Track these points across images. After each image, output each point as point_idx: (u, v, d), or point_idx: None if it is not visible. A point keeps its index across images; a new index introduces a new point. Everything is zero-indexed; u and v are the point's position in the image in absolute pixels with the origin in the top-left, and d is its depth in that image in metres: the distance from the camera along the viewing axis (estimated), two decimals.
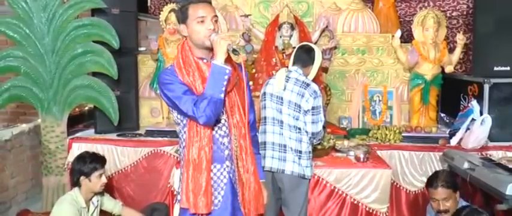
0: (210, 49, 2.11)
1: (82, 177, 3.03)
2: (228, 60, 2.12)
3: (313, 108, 2.94)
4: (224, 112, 2.16)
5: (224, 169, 2.19)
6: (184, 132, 2.16)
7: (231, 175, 2.20)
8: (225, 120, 2.18)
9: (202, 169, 2.12)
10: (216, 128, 2.15)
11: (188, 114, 2.06)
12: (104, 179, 3.10)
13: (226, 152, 2.19)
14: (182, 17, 2.12)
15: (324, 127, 3.20)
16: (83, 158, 3.11)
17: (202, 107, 2.01)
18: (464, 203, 2.90)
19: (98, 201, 3.18)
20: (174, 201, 2.29)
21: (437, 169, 3.71)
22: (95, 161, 3.09)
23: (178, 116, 2.17)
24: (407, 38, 4.81)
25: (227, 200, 2.19)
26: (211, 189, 2.15)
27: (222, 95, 2.05)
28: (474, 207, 2.71)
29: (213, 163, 2.16)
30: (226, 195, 2.19)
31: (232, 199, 2.20)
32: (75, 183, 3.06)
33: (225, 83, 2.04)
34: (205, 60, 2.14)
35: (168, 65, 2.20)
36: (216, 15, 2.13)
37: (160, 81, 2.15)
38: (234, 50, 2.04)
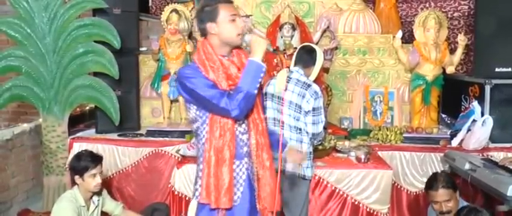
0: (234, 47, 2.20)
1: (76, 176, 2.99)
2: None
3: (313, 109, 2.94)
4: None
5: (243, 165, 2.24)
6: (204, 128, 2.19)
7: (249, 171, 2.25)
8: (245, 117, 2.22)
9: (225, 165, 2.16)
10: (236, 125, 2.20)
11: (219, 107, 2.09)
12: (98, 179, 3.01)
13: (245, 148, 2.24)
14: (210, 15, 2.17)
15: (324, 128, 3.20)
16: (79, 156, 3.07)
17: (238, 99, 2.06)
18: (464, 203, 2.89)
19: (98, 200, 3.15)
20: (193, 197, 2.31)
21: (439, 170, 3.72)
22: (89, 160, 3.01)
23: (197, 112, 2.19)
24: (408, 38, 4.82)
25: (245, 197, 2.24)
26: (233, 185, 2.20)
27: (256, 91, 2.11)
28: (473, 206, 2.70)
29: (234, 159, 2.21)
30: (245, 191, 2.24)
31: (249, 195, 2.25)
32: (73, 182, 3.05)
33: (260, 80, 2.12)
34: (226, 58, 2.19)
35: (190, 63, 2.24)
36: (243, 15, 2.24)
37: (182, 76, 2.17)
38: (274, 50, 2.15)
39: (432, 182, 2.94)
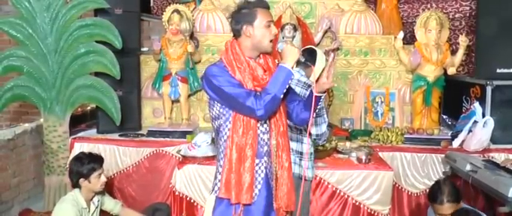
0: (264, 52, 2.28)
1: (81, 179, 2.98)
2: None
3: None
4: None
5: (262, 164, 2.28)
6: (226, 125, 2.24)
7: (267, 170, 2.29)
8: (268, 118, 2.27)
9: (248, 162, 2.22)
10: (258, 124, 2.25)
11: (245, 105, 2.15)
12: (103, 178, 3.05)
13: (266, 148, 2.28)
14: (248, 18, 2.22)
15: (329, 126, 3.19)
16: (80, 159, 3.05)
17: (265, 100, 2.14)
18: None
19: (98, 201, 3.16)
20: (211, 192, 2.35)
21: (439, 171, 3.72)
22: (93, 161, 3.03)
23: (221, 110, 2.24)
24: (409, 39, 4.82)
25: (263, 195, 2.28)
26: (255, 181, 2.26)
27: (282, 95, 2.19)
28: (464, 208, 2.69)
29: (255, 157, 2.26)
30: (262, 189, 2.28)
31: (266, 194, 2.29)
32: (75, 184, 3.03)
33: (287, 86, 2.19)
34: (253, 60, 2.26)
35: (217, 62, 2.31)
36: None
37: (209, 74, 2.22)
38: (305, 62, 2.47)
39: (436, 195, 2.82)
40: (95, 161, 3.05)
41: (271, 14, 2.30)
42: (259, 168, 2.28)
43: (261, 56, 2.30)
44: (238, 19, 2.25)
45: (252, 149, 2.22)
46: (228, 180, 2.22)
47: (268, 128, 2.28)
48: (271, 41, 2.25)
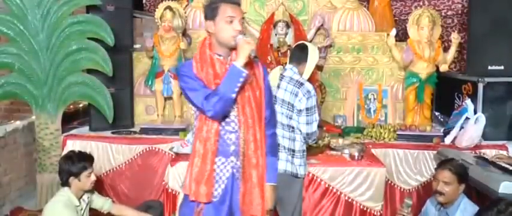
0: (232, 49, 2.20)
1: (71, 178, 2.97)
2: (249, 61, 2.19)
3: (307, 109, 2.92)
4: (234, 109, 2.23)
5: (228, 163, 2.26)
6: (195, 122, 2.29)
7: (235, 170, 2.27)
8: (235, 117, 2.24)
9: (206, 160, 2.21)
10: (223, 123, 2.24)
11: (198, 107, 2.18)
12: (93, 177, 3.03)
13: (233, 147, 2.26)
14: (211, 13, 2.19)
15: (319, 126, 3.20)
16: (71, 157, 3.03)
17: (213, 102, 2.12)
18: (466, 200, 2.87)
19: (88, 198, 3.14)
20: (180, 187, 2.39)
21: (432, 167, 3.73)
22: (84, 160, 3.01)
23: (191, 107, 2.29)
24: (402, 36, 4.83)
25: (226, 194, 2.26)
26: (213, 180, 2.23)
27: (234, 95, 2.14)
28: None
29: (218, 156, 2.25)
30: (227, 189, 2.26)
31: (231, 194, 2.27)
32: (64, 183, 3.00)
33: (239, 84, 2.13)
34: (221, 57, 2.22)
35: (190, 59, 2.32)
36: (243, 18, 2.24)
37: (178, 73, 2.35)
38: (255, 57, 2.21)
39: (444, 162, 2.95)
40: (86, 159, 3.03)
41: (240, 10, 2.21)
42: (225, 167, 2.26)
43: (234, 55, 2.20)
44: (205, 14, 2.23)
45: (211, 146, 2.20)
46: (191, 177, 2.23)
47: (236, 128, 2.24)
48: (234, 37, 2.16)
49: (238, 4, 2.23)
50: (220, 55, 2.22)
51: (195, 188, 2.21)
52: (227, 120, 2.23)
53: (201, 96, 2.14)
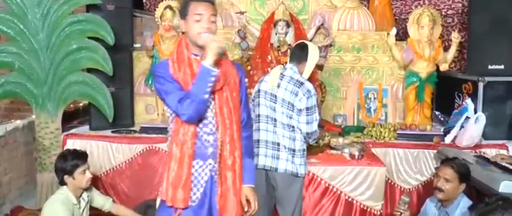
0: (203, 47, 2.11)
1: (66, 176, 2.97)
2: (221, 60, 2.12)
3: (307, 108, 2.92)
4: (212, 110, 2.18)
5: (206, 166, 2.20)
6: (171, 124, 2.21)
7: (212, 173, 2.21)
8: (212, 118, 2.19)
9: (183, 163, 2.13)
10: (200, 125, 2.17)
11: (173, 110, 2.11)
12: (88, 175, 3.02)
13: (210, 149, 2.19)
14: (183, 12, 2.16)
15: (320, 126, 3.20)
16: (64, 156, 3.04)
17: (186, 105, 2.05)
18: (466, 199, 2.87)
19: (88, 196, 3.14)
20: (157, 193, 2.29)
21: (432, 167, 3.74)
22: (76, 157, 3.00)
23: (167, 109, 2.21)
24: (402, 36, 4.83)
25: (205, 198, 2.20)
26: (191, 184, 2.17)
27: (206, 96, 2.07)
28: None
29: (196, 159, 2.18)
30: (205, 192, 2.20)
31: (210, 197, 2.21)
32: (61, 182, 3.01)
33: (210, 84, 2.05)
34: (198, 57, 2.15)
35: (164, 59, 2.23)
36: (214, 15, 2.15)
37: (153, 74, 2.22)
38: (221, 54, 2.07)
39: (448, 159, 2.96)
40: (79, 157, 3.02)
41: (212, 8, 2.14)
42: (203, 170, 2.19)
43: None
44: (180, 14, 2.19)
45: (187, 149, 2.12)
46: (167, 181, 2.15)
47: (213, 129, 2.18)
48: (200, 34, 2.10)
49: (210, 2, 2.15)
50: (196, 55, 2.16)
51: (172, 193, 2.12)
52: (205, 122, 2.17)
53: (175, 99, 2.07)
